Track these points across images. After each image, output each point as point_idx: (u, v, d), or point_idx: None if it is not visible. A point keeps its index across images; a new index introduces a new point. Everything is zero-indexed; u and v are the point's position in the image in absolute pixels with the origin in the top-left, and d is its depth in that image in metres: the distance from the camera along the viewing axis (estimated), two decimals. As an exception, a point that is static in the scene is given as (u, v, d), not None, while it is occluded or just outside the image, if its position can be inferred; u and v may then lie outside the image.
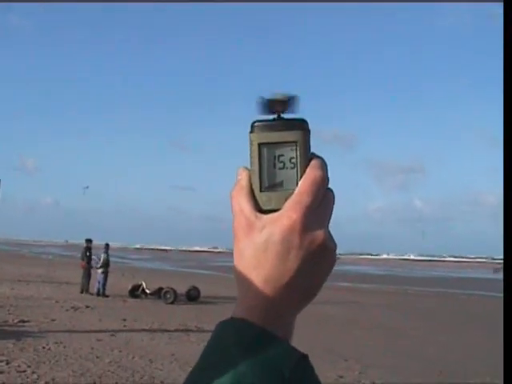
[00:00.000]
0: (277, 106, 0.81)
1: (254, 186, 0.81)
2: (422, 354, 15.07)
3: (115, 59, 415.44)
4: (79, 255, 28.95)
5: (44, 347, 12.90)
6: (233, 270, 0.82)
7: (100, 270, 26.42)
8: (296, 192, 0.79)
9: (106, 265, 26.88)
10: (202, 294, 25.08)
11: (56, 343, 13.43)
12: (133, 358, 12.43)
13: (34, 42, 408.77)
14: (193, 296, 25.16)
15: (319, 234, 0.78)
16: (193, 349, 13.67)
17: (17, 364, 11.12)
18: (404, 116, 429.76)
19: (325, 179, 0.80)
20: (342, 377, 11.93)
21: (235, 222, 0.81)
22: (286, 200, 0.79)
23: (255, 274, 0.79)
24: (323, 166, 0.80)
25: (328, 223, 0.81)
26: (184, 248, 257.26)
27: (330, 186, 0.81)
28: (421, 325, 21.12)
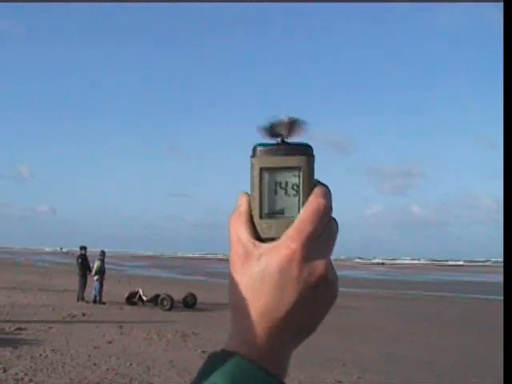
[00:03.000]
0: (280, 129, 0.77)
1: (253, 213, 0.77)
2: (419, 358, 15.08)
3: (109, 63, 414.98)
4: (75, 263, 28.89)
5: (41, 355, 12.90)
6: (228, 300, 0.78)
7: (95, 278, 26.41)
8: (297, 220, 0.75)
9: (100, 272, 26.86)
10: (199, 300, 25.03)
11: (53, 351, 13.43)
12: (130, 365, 12.43)
13: (24, 45, 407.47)
14: (190, 303, 25.12)
15: (319, 266, 0.74)
16: (190, 355, 13.68)
17: (14, 372, 11.13)
18: (401, 120, 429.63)
19: (328, 208, 0.76)
20: (340, 382, 11.94)
21: (232, 250, 0.77)
22: (286, 228, 0.75)
23: (250, 305, 0.74)
24: (327, 194, 0.77)
25: (330, 254, 0.77)
26: (180, 255, 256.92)
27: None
28: (418, 329, 21.12)
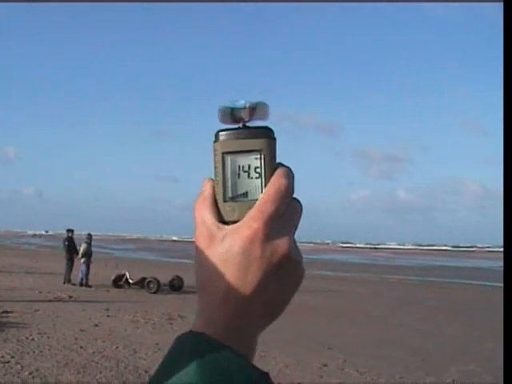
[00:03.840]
0: (242, 114, 0.77)
1: (217, 197, 0.78)
2: (405, 342, 15.17)
3: (96, 48, 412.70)
4: (62, 246, 28.81)
5: (27, 338, 12.88)
6: (195, 282, 0.78)
7: (82, 260, 26.38)
8: (258, 201, 0.75)
9: (87, 255, 26.83)
10: (186, 283, 25.12)
11: (39, 334, 13.41)
12: (116, 347, 12.44)
13: (8, 28, 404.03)
14: (176, 285, 25.19)
15: (282, 244, 0.74)
16: (176, 338, 13.70)
17: (0, 355, 11.11)
18: (389, 104, 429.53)
19: (289, 188, 0.76)
20: (326, 365, 11.99)
21: (197, 233, 0.78)
22: (250, 210, 0.75)
23: (216, 286, 0.75)
24: (289, 174, 0.76)
25: (293, 234, 0.76)
26: (167, 238, 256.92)
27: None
28: (404, 313, 21.23)
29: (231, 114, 0.77)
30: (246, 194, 0.77)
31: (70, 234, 27.95)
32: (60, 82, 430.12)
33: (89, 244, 27.54)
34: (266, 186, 0.76)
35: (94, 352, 11.87)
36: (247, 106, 0.77)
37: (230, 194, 0.78)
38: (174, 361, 0.74)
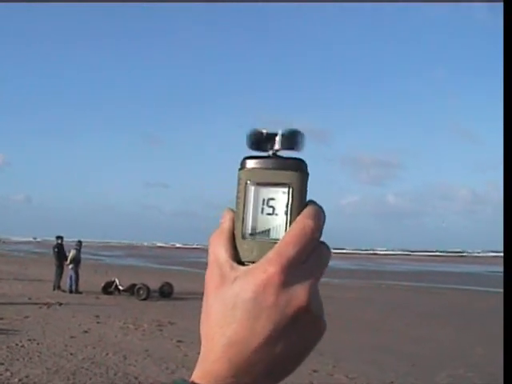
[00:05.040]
0: (273, 141, 0.69)
1: (235, 232, 0.69)
2: (395, 347, 15.17)
3: (86, 53, 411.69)
4: (51, 252, 28.76)
5: (17, 344, 12.85)
6: (200, 325, 0.71)
7: (70, 267, 26.31)
8: (279, 242, 0.66)
9: (75, 261, 26.75)
10: (176, 289, 25.04)
11: (29, 340, 13.38)
12: (106, 354, 12.42)
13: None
14: (166, 292, 25.12)
15: (300, 295, 0.65)
16: (166, 344, 13.71)
17: (-10, 362, 11.08)
18: (380, 110, 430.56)
19: (316, 231, 0.67)
20: (315, 371, 11.97)
21: (208, 271, 0.70)
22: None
23: (220, 333, 0.66)
24: (319, 215, 0.68)
25: (316, 283, 0.68)
26: (157, 244, 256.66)
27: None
28: (394, 319, 21.24)
29: (262, 141, 0.70)
30: (267, 233, 0.69)
31: (59, 241, 27.89)
32: (49, 87, 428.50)
33: (78, 251, 27.49)
34: (291, 224, 0.68)
35: (83, 358, 11.84)
36: (281, 132, 0.69)
37: (249, 231, 0.69)
38: None
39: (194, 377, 0.68)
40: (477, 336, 17.47)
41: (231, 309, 0.66)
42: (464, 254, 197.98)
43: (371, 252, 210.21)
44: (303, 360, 0.69)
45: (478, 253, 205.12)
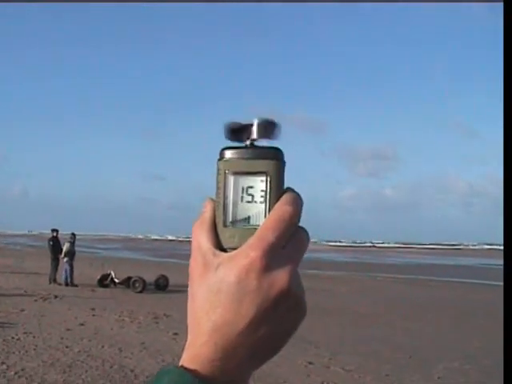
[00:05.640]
0: (250, 131, 0.71)
1: (217, 221, 0.72)
2: (392, 339, 15.20)
3: (86, 51, 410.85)
4: (46, 245, 28.73)
5: (13, 337, 12.86)
6: (187, 311, 0.73)
7: (64, 260, 26.31)
8: (259, 228, 0.69)
9: (70, 254, 26.73)
10: (171, 282, 25.01)
11: (25, 333, 13.39)
12: (102, 347, 12.43)
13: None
14: (162, 285, 25.14)
15: (282, 277, 0.67)
16: (162, 337, 13.73)
17: (-15, 355, 11.09)
18: (376, 102, 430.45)
19: (294, 216, 0.70)
20: (311, 363, 12.01)
21: (191, 259, 0.72)
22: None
23: (205, 318, 0.69)
24: (296, 201, 0.71)
25: (296, 266, 0.69)
26: (153, 237, 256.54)
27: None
28: (391, 311, 21.27)
29: (238, 131, 0.72)
30: (248, 220, 0.71)
31: (54, 234, 27.87)
32: (47, 79, 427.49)
33: (72, 243, 27.44)
34: (270, 211, 0.70)
35: (79, 351, 11.86)
36: (256, 122, 0.71)
37: (230, 219, 0.72)
38: None
39: (183, 361, 0.70)
40: (473, 328, 17.52)
41: (216, 294, 0.68)
42: (460, 247, 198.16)
43: (368, 245, 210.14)
44: (286, 342, 0.71)
45: (474, 245, 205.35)
